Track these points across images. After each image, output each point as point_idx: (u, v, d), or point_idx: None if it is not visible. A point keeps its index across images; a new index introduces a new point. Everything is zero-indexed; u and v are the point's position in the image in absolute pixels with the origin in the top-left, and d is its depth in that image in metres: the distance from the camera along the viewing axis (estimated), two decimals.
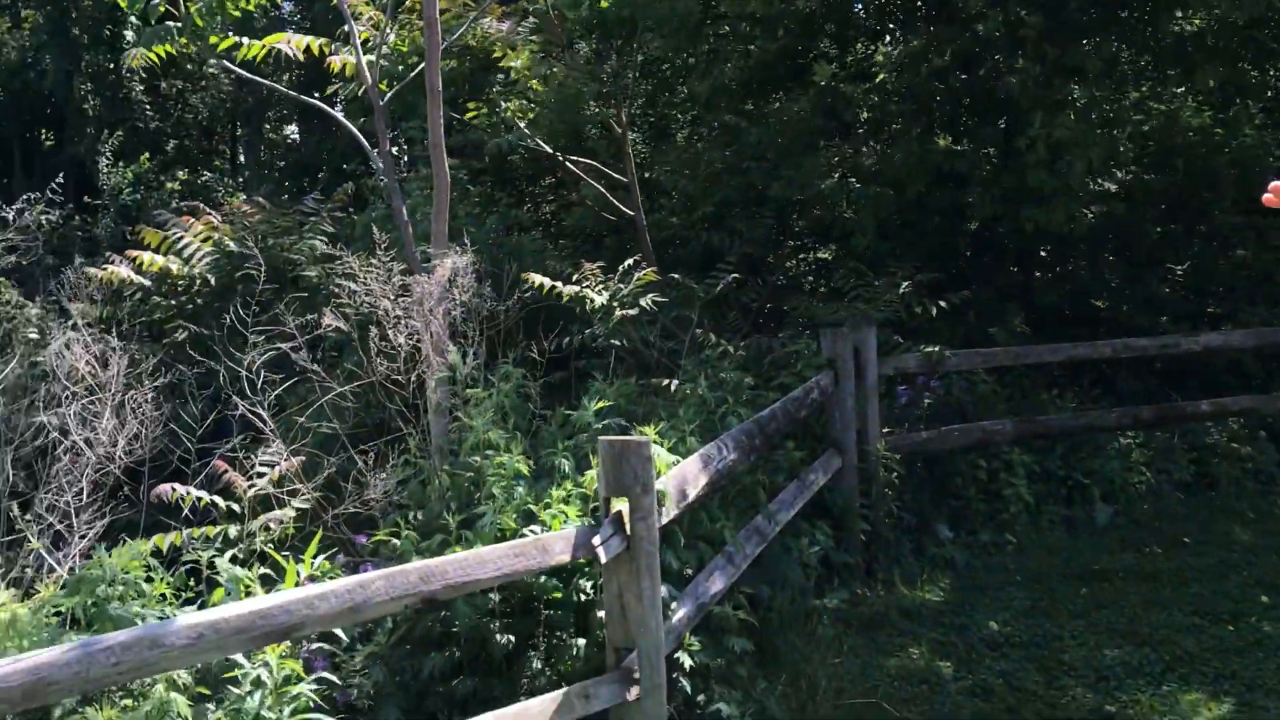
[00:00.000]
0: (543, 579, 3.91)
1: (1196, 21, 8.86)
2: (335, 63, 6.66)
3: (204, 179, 16.43)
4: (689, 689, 4.04)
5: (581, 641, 3.79)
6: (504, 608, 3.88)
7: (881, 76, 8.62)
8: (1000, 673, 5.02)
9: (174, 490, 4.31)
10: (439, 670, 3.80)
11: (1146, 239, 9.67)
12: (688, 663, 4.04)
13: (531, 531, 3.93)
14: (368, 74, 5.46)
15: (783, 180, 8.84)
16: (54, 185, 4.40)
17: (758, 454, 5.20)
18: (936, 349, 6.78)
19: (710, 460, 4.48)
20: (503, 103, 7.95)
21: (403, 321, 4.34)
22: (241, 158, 19.15)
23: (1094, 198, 9.46)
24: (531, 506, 4.02)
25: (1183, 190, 9.58)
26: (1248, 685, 4.76)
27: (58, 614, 3.47)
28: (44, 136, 17.86)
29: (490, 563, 3.32)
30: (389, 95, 5.79)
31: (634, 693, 3.65)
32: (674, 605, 4.10)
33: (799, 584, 5.39)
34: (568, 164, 8.65)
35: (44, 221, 12.58)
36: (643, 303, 6.65)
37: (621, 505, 3.67)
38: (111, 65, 15.82)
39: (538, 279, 6.81)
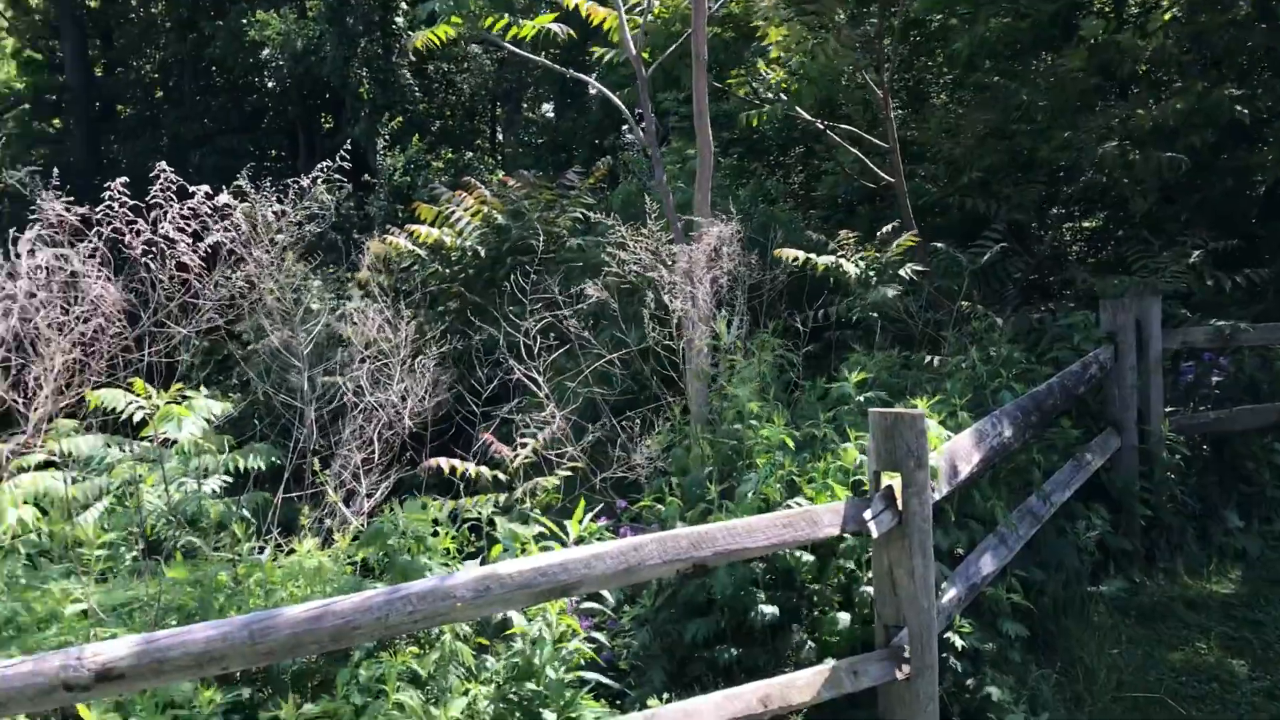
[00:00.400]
0: (799, 553, 3.86)
1: None
2: (597, 12, 6.65)
3: (467, 158, 17.21)
4: (959, 670, 3.90)
5: (846, 617, 3.72)
6: (767, 578, 3.86)
7: (1163, 22, 7.92)
8: None
9: (443, 464, 4.53)
10: (701, 636, 3.83)
11: None
12: (959, 644, 3.90)
13: (796, 503, 3.88)
14: (631, 44, 5.51)
15: (1054, 143, 8.34)
16: (339, 160, 4.68)
17: (1032, 431, 4.93)
18: (1229, 323, 6.23)
19: (984, 436, 4.29)
20: (764, 72, 7.85)
21: (668, 292, 4.37)
22: (500, 136, 19.95)
23: None
24: (795, 478, 3.97)
25: None
26: None
27: (352, 563, 3.72)
28: (324, 120, 19.21)
29: (760, 532, 3.30)
30: (653, 66, 5.83)
31: (904, 671, 3.55)
32: (944, 585, 3.96)
33: (1074, 569, 5.10)
34: (828, 131, 8.48)
35: (326, 200, 13.54)
36: (903, 273, 6.45)
37: (893, 479, 3.57)
38: (381, 51, 16.80)
39: (791, 253, 6.74)
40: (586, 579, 3.01)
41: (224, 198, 3.72)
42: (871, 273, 6.64)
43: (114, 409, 4.28)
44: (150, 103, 20.07)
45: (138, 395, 4.13)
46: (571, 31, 6.03)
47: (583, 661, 3.48)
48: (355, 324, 4.36)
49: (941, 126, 9.79)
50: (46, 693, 2.32)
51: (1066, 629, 4.74)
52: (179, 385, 4.18)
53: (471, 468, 4.56)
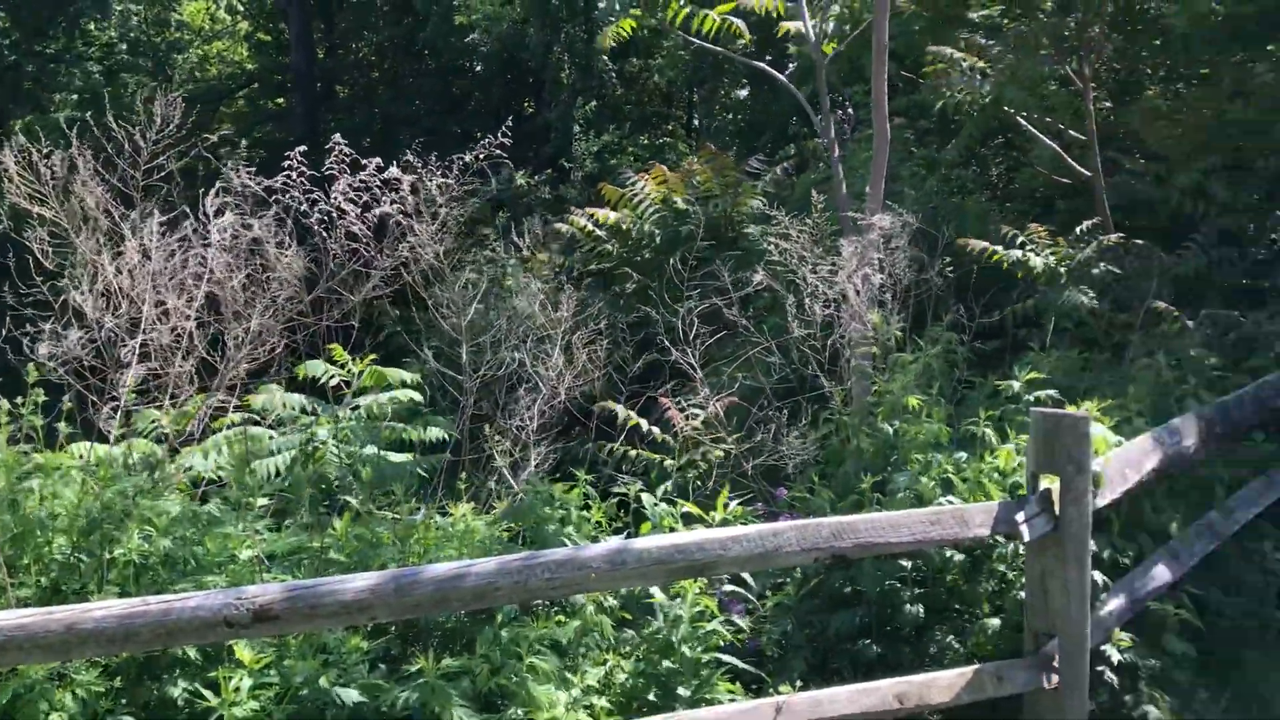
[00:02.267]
0: (949, 553, 3.79)
1: None
2: (785, 25, 6.74)
3: (661, 142, 17.40)
4: (1115, 686, 3.74)
5: (996, 621, 3.63)
6: (914, 575, 3.80)
7: None
8: None
9: (616, 411, 4.63)
10: (845, 629, 3.81)
11: None
12: (1116, 658, 3.74)
13: (949, 501, 3.81)
14: (811, 33, 5.48)
15: (1275, 142, 7.78)
16: (536, 145, 4.87)
17: (1217, 443, 4.66)
18: None
19: (1159, 444, 4.08)
20: (961, 59, 7.64)
21: (828, 283, 4.34)
22: (696, 121, 20.06)
23: None
24: (951, 475, 3.89)
25: None
26: None
27: (507, 531, 3.87)
28: (526, 104, 19.77)
29: (904, 527, 3.25)
30: (829, 56, 5.77)
31: (1052, 681, 3.44)
32: (1104, 596, 3.81)
33: (1258, 591, 4.79)
34: (1019, 120, 8.18)
35: (524, 182, 13.95)
36: (1095, 271, 6.18)
37: (1050, 483, 3.45)
38: (585, 35, 17.16)
39: (976, 244, 6.55)
40: (722, 560, 3.04)
41: (394, 170, 3.92)
42: (1061, 269, 6.39)
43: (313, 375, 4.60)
44: (366, 83, 21.14)
45: (337, 362, 4.43)
46: (747, 35, 6.02)
47: (720, 644, 3.52)
48: (526, 301, 4.53)
49: (1153, 117, 9.27)
50: (210, 627, 2.53)
51: (1243, 655, 4.46)
52: (371, 355, 4.45)
53: (644, 422, 4.65)
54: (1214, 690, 4.20)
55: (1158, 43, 10.01)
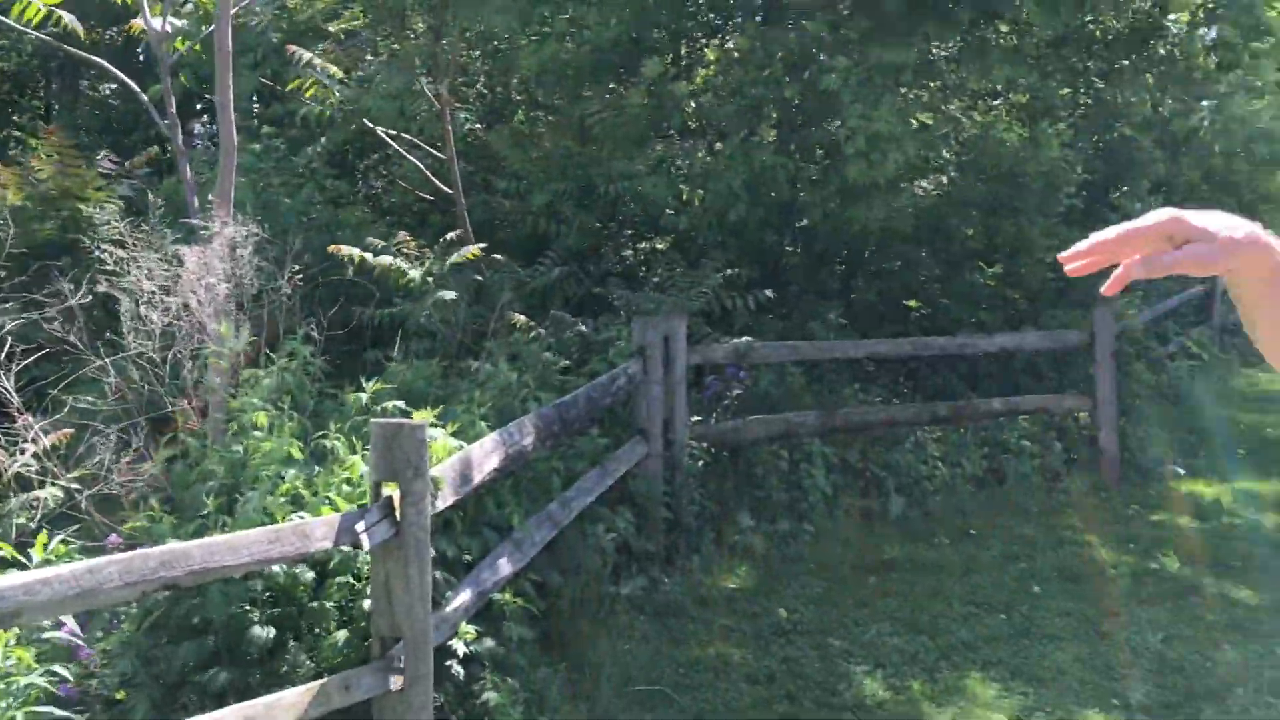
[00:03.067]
0: (299, 570, 3.77)
1: (1005, 28, 9.21)
2: (137, 23, 6.28)
3: (4, 135, 15.37)
4: (462, 677, 3.97)
5: (344, 633, 3.67)
6: (265, 596, 3.72)
7: (705, 74, 8.67)
8: (784, 659, 5.11)
9: None
10: (193, 660, 3.62)
11: (962, 242, 10.04)
12: (462, 650, 3.97)
13: (299, 517, 3.78)
14: (155, 27, 5.16)
15: (614, 174, 8.83)
16: None
17: (556, 440, 5.15)
18: (744, 340, 6.87)
19: (501, 445, 4.41)
20: (322, 71, 7.66)
21: (169, 293, 4.11)
22: (55, 112, 18.03)
23: (913, 199, 9.79)
24: (302, 490, 3.87)
25: (996, 196, 9.99)
26: (1012, 671, 4.98)
27: None
28: None
29: (243, 549, 3.16)
30: (176, 55, 5.49)
31: (398, 682, 3.55)
32: (449, 594, 4.02)
33: (595, 571, 5.37)
34: (383, 134, 8.43)
35: None
36: (453, 282, 6.52)
37: (392, 490, 3.56)
38: None
39: (349, 250, 6.61)
40: (28, 607, 2.72)
41: None
42: (429, 279, 6.66)
43: None
44: None
45: None
46: (74, 23, 5.52)
47: (40, 697, 3.17)
48: None
49: (515, 144, 10.06)
50: None
51: (580, 629, 4.97)
52: None
53: None
54: (554, 666, 4.62)
55: (515, 80, 10.90)
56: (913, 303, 10.43)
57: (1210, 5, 8.91)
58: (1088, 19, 8.67)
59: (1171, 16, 8.16)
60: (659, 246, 10.57)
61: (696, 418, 6.85)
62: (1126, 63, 8.89)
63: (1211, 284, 14.22)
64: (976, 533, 6.96)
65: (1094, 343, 8.20)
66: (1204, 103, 8.00)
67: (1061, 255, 1.36)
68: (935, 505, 7.41)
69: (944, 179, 10.76)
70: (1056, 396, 8.43)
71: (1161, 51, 8.33)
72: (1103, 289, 1.40)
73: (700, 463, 6.59)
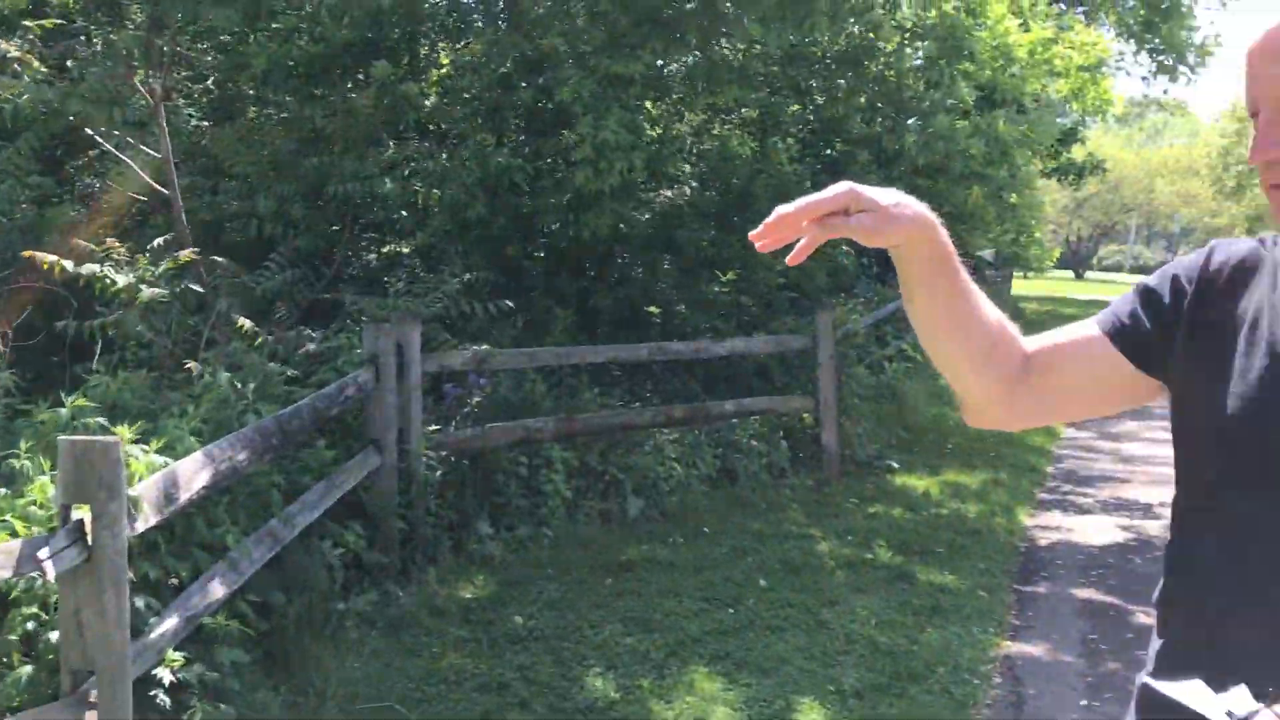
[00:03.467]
0: None
1: (739, 48, 9.62)
2: None
3: None
4: (168, 707, 3.74)
5: (29, 669, 3.39)
6: None
7: (438, 77, 8.58)
8: (518, 666, 5.11)
9: None
10: None
11: (699, 250, 10.37)
12: (168, 679, 3.74)
13: None
14: None
15: (345, 175, 8.59)
16: None
17: (276, 454, 4.94)
18: (482, 347, 6.84)
19: (212, 461, 4.18)
20: (16, 65, 7.06)
21: None
22: None
23: (642, 207, 10.06)
24: None
25: (731, 207, 10.39)
26: (737, 664, 5.17)
27: None
28: None
29: None
30: None
31: (91, 718, 3.31)
32: (154, 620, 3.79)
33: (322, 587, 5.20)
34: (91, 134, 7.88)
35: None
36: (168, 289, 6.16)
37: (83, 513, 3.32)
38: None
39: (47, 258, 6.12)
40: None
41: None
42: (143, 285, 6.25)
43: None
44: None
45: None
46: None
47: None
48: None
49: (242, 144, 9.62)
50: None
51: (306, 648, 4.79)
52: None
53: None
54: (275, 689, 4.44)
55: (245, 78, 10.43)
56: (653, 309, 10.71)
57: (918, 28, 9.63)
58: (807, 39, 9.15)
59: (881, 39, 8.72)
60: (403, 250, 10.38)
61: (435, 426, 6.76)
62: (842, 81, 9.45)
63: None
64: (710, 530, 7.21)
65: (817, 347, 8.68)
66: (910, 121, 8.57)
67: (752, 234, 1.43)
68: (672, 505, 7.61)
69: (686, 189, 11.11)
70: (783, 398, 8.85)
71: (874, 70, 8.90)
72: (788, 259, 1.48)
73: (438, 472, 6.50)
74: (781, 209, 1.39)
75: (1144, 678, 1.49)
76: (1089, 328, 1.58)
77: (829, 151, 11.53)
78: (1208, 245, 1.57)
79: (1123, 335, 1.55)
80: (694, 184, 10.97)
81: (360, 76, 9.46)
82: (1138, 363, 1.55)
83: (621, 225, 8.39)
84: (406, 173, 8.92)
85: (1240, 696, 1.23)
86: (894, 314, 13.90)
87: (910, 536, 7.31)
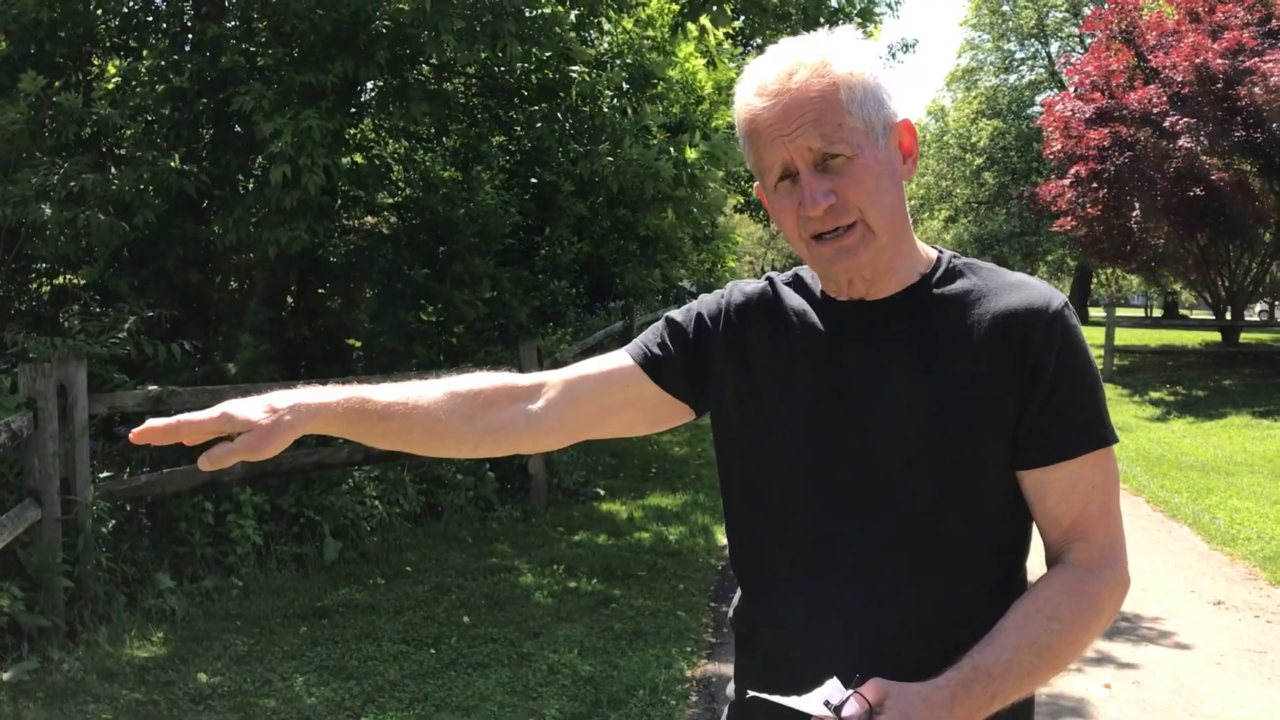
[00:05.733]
0: None
1: (427, 71, 9.50)
2: None
3: None
4: None
5: None
6: None
7: (103, 91, 7.94)
8: None
9: None
10: None
11: (406, 277, 10.13)
12: None
13: None
14: None
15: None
16: None
17: None
18: (159, 387, 6.38)
19: None
20: None
21: None
22: None
23: (345, 238, 9.76)
24: None
25: (438, 236, 10.23)
26: (436, 705, 5.03)
27: None
28: None
29: None
30: None
31: None
32: None
33: None
34: None
35: None
36: None
37: None
38: None
39: None
40: None
41: None
42: None
43: None
44: None
45: None
46: None
47: None
48: None
49: None
50: None
51: None
52: None
53: None
54: None
55: None
56: (353, 341, 10.38)
57: (608, 56, 9.88)
58: (501, 69, 9.18)
59: (575, 68, 8.85)
60: (79, 281, 9.52)
61: (106, 473, 6.23)
62: (536, 109, 9.54)
63: (629, 319, 15.79)
64: (412, 569, 7.03)
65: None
66: (603, 147, 8.75)
67: (134, 433, 1.48)
68: (373, 545, 7.37)
69: (391, 218, 10.86)
70: None
71: (569, 99, 9.01)
72: (199, 461, 1.53)
73: (110, 523, 6.00)
74: (153, 422, 1.48)
75: (733, 691, 1.72)
76: (621, 358, 1.75)
77: (533, 180, 11.59)
78: (727, 286, 1.77)
79: (651, 363, 1.72)
80: (400, 212, 10.75)
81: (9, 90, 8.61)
82: (665, 387, 1.72)
83: (318, 245, 8.01)
84: (66, 194, 8.16)
85: (833, 687, 1.39)
86: (601, 342, 14.19)
87: (614, 562, 7.42)
